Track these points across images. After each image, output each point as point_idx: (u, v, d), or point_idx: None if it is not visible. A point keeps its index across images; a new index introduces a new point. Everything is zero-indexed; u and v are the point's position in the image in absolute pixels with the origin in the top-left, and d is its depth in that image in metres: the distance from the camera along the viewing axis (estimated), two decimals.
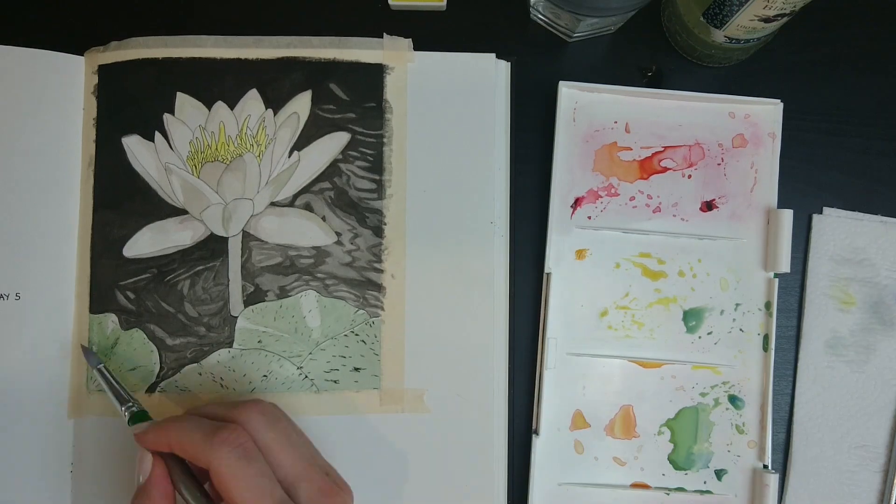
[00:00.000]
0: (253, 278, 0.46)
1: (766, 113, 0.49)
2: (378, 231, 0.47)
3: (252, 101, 0.47)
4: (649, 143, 0.49)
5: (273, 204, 0.47)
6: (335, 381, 0.46)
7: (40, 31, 0.49)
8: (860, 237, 0.49)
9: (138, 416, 0.40)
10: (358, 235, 0.47)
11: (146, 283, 0.46)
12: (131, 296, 0.46)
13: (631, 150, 0.49)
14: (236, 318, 0.46)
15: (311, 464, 0.38)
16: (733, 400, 0.47)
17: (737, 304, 0.48)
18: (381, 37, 0.48)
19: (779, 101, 0.48)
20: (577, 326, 0.48)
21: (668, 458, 0.47)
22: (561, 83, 0.47)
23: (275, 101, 0.47)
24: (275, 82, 0.47)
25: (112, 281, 0.46)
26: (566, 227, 0.48)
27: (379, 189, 0.47)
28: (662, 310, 0.48)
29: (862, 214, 0.49)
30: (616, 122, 0.49)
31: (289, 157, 0.47)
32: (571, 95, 0.48)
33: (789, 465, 0.48)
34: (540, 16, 0.49)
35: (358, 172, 0.47)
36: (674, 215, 0.48)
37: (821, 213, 0.49)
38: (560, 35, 0.50)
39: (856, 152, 0.50)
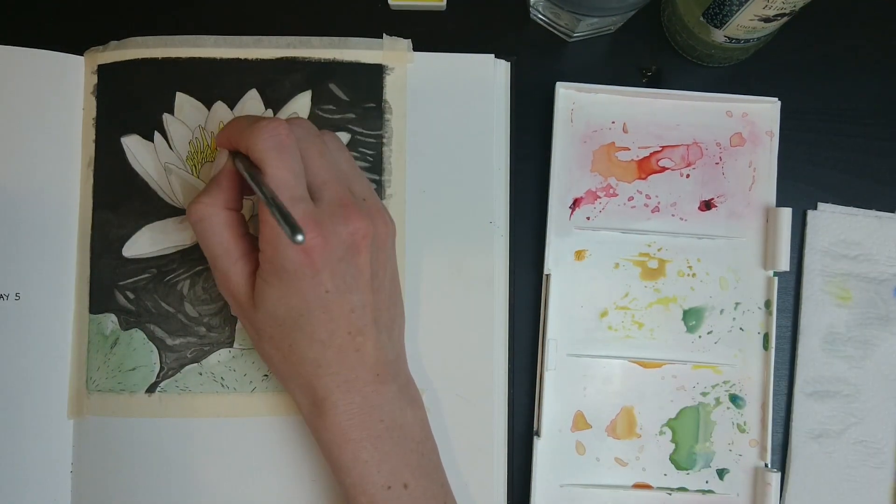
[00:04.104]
0: None
1: (764, 111, 0.49)
2: None
3: (252, 102, 0.47)
4: (647, 143, 0.49)
5: None
6: None
7: (40, 31, 0.49)
8: (855, 232, 0.49)
9: None
10: None
11: (146, 283, 0.46)
12: (131, 296, 0.46)
13: (629, 150, 0.49)
14: (237, 317, 0.46)
15: (340, 178, 0.39)
16: (734, 399, 0.47)
17: (737, 303, 0.48)
18: (381, 37, 0.48)
19: (776, 99, 0.48)
20: (577, 327, 0.48)
21: (670, 458, 0.47)
22: (558, 84, 0.47)
23: (274, 102, 0.47)
24: (275, 82, 0.47)
25: (112, 281, 0.46)
26: (565, 228, 0.48)
27: (379, 189, 0.47)
28: (662, 310, 0.48)
29: (857, 210, 0.49)
30: (614, 123, 0.49)
31: None
32: (568, 96, 0.48)
33: (789, 463, 0.48)
34: (540, 16, 0.49)
35: None
36: (672, 215, 0.48)
37: (815, 209, 0.50)
38: (560, 35, 0.50)
39: (855, 151, 0.50)
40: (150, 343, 0.46)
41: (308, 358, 0.38)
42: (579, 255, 0.48)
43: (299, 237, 0.33)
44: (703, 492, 0.47)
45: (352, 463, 0.38)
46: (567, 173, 0.48)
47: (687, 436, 0.47)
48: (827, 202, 0.49)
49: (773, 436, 0.47)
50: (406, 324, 0.44)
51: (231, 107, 0.47)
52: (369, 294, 0.39)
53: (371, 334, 0.39)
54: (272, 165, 0.36)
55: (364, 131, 0.47)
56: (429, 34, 0.48)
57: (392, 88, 0.47)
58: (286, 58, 0.47)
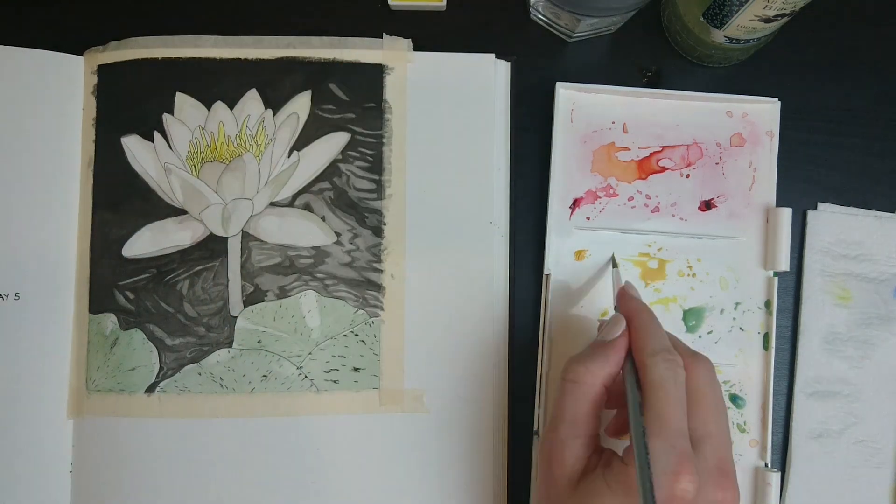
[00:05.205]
0: (252, 278, 0.46)
1: (764, 111, 0.49)
2: (377, 231, 0.47)
3: (251, 101, 0.47)
4: (647, 143, 0.49)
5: (272, 204, 0.47)
6: (335, 381, 0.46)
7: (40, 31, 0.49)
8: (855, 232, 0.49)
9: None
10: (357, 235, 0.47)
11: (145, 283, 0.46)
12: (130, 296, 0.46)
13: (629, 150, 0.49)
14: (236, 318, 0.46)
15: (725, 432, 0.38)
16: (734, 399, 0.47)
17: (737, 303, 0.48)
18: (381, 37, 0.48)
19: (776, 99, 0.48)
20: (578, 327, 0.48)
21: None
22: (558, 84, 0.47)
23: (274, 102, 0.47)
24: (274, 82, 0.47)
25: (111, 281, 0.46)
26: (565, 229, 0.48)
27: (378, 189, 0.47)
28: (662, 309, 0.48)
29: (856, 210, 0.49)
30: (614, 123, 0.49)
31: (288, 157, 0.47)
32: (568, 96, 0.48)
33: (789, 463, 0.48)
34: (540, 16, 0.49)
35: (357, 173, 0.47)
36: (672, 215, 0.48)
37: (815, 209, 0.49)
38: (560, 35, 0.50)
39: (855, 151, 0.50)
40: (150, 343, 0.46)
41: None
42: (579, 255, 0.48)
43: None
44: None
45: None
46: (567, 173, 0.48)
47: None
48: (827, 202, 0.49)
49: (773, 436, 0.47)
50: (406, 324, 0.45)
51: (231, 107, 0.47)
52: None
53: None
54: (668, 397, 0.35)
55: (364, 131, 0.47)
56: (429, 34, 0.48)
57: (392, 88, 0.47)
58: (286, 58, 0.47)
